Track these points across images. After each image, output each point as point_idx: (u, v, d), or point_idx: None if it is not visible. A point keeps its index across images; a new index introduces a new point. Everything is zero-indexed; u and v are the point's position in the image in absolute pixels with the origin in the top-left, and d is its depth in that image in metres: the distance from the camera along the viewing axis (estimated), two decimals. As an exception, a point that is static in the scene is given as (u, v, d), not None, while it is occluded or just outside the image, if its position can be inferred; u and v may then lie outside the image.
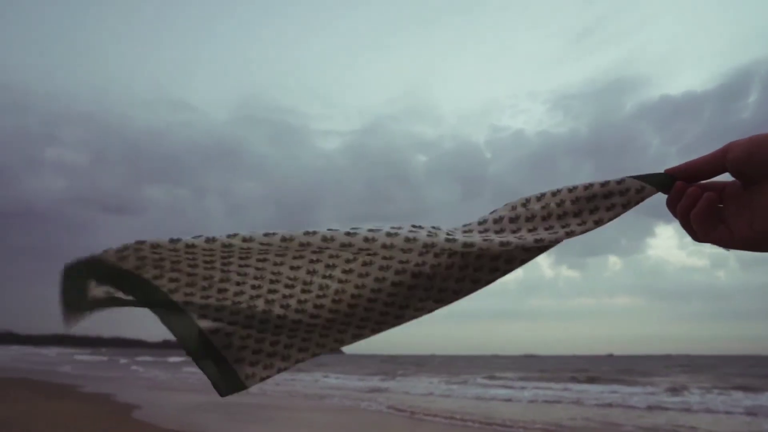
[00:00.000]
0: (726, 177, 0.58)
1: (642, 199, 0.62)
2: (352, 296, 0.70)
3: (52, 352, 68.83)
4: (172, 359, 50.59)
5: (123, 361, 44.48)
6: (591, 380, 21.48)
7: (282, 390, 17.58)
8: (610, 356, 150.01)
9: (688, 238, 0.58)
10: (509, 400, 14.35)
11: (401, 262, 0.68)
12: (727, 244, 0.56)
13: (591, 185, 0.64)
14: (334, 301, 0.70)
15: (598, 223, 0.64)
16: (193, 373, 28.53)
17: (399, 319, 0.72)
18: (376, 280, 0.69)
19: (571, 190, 0.64)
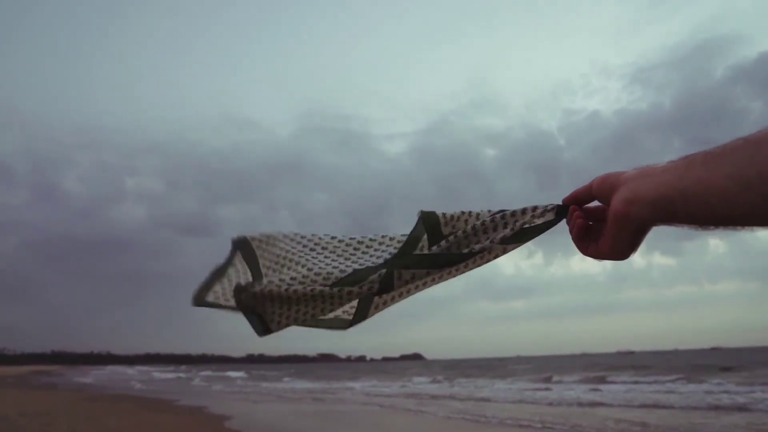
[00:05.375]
0: None
1: (546, 225, 0.74)
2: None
3: (134, 370, 74.05)
4: (257, 372, 52.90)
5: (210, 375, 46.89)
6: (688, 378, 20.04)
7: (359, 396, 17.96)
8: (715, 349, 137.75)
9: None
10: (580, 402, 13.88)
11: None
12: (595, 257, 0.70)
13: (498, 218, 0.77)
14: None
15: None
16: (271, 385, 29.64)
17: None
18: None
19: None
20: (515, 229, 0.74)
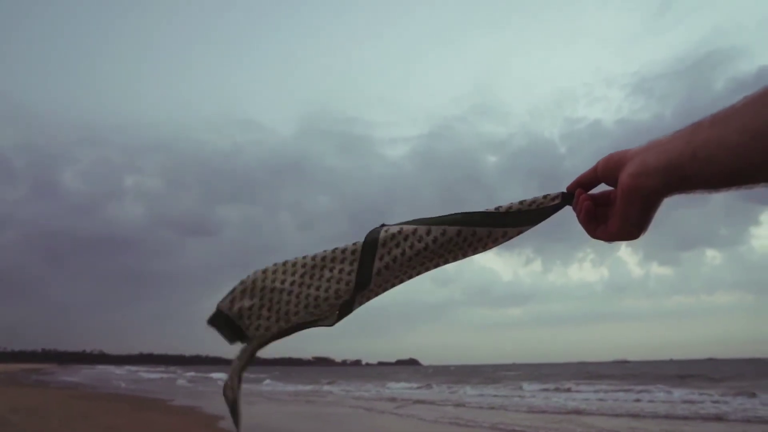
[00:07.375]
0: None
1: (553, 208, 0.73)
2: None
3: (122, 370, 73.59)
4: (252, 375, 52.77)
5: (195, 376, 46.77)
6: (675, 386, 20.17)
7: (349, 398, 18.07)
8: (711, 360, 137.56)
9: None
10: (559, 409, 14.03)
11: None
12: (605, 239, 0.68)
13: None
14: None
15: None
16: (269, 385, 29.62)
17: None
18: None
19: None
20: (521, 210, 0.73)
